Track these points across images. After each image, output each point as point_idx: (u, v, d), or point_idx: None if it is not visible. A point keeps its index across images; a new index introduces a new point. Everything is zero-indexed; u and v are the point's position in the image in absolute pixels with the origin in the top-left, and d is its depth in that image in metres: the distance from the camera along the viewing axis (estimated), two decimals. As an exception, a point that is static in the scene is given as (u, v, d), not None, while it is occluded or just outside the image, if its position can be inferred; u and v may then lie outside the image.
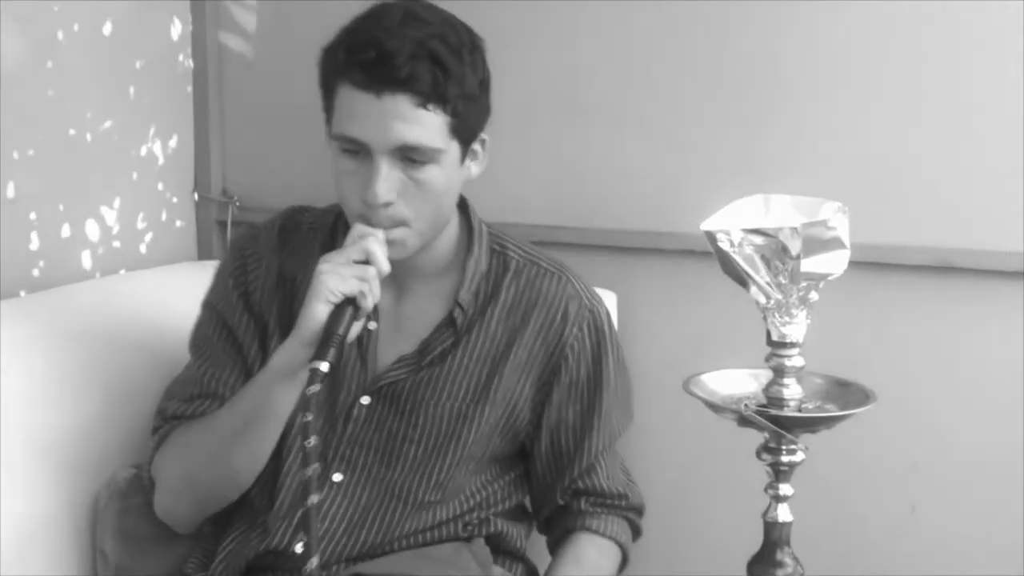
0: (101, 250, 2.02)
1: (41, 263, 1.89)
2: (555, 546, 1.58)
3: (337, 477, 1.48)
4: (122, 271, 2.05)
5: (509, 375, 1.50)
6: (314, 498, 1.10)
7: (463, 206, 1.54)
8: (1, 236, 1.80)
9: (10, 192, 1.82)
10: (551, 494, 1.57)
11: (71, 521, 1.64)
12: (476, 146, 1.45)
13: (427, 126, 1.34)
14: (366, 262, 1.33)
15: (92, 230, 2.00)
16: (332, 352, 1.26)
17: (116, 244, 2.06)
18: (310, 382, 1.22)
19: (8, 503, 1.53)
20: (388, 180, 1.35)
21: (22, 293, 1.84)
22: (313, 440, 1.14)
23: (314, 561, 1.09)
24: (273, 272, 1.52)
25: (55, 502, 1.62)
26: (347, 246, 1.35)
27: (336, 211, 1.52)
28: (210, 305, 1.56)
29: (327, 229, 1.53)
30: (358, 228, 1.36)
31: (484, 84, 1.43)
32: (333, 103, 1.39)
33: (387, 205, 1.36)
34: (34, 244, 1.88)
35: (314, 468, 1.12)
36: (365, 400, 1.48)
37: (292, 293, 1.50)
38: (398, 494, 1.48)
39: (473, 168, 1.47)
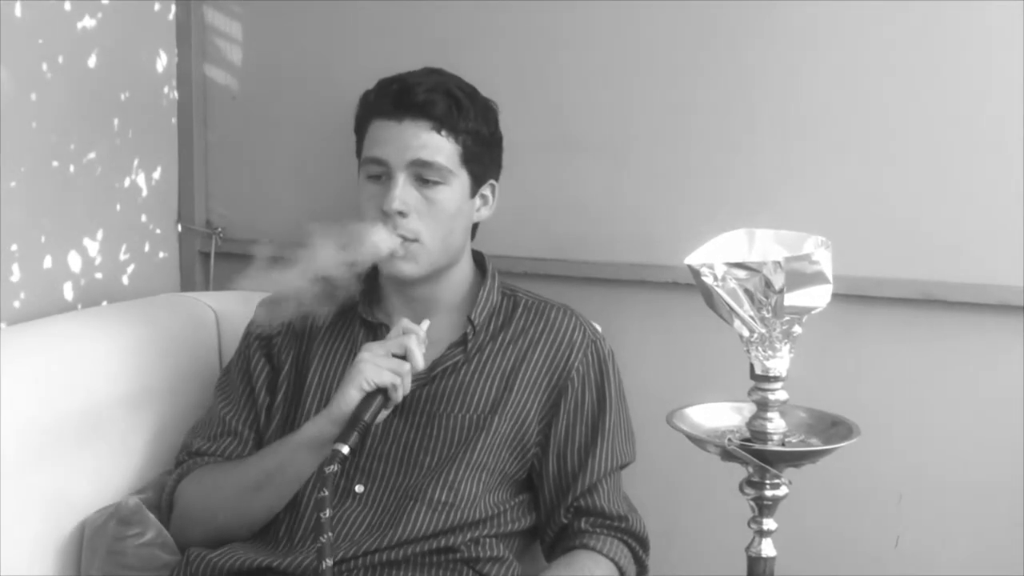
0: (83, 281, 2.01)
1: (22, 294, 1.88)
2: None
3: (359, 488, 1.60)
4: (104, 303, 2.04)
5: (519, 391, 1.63)
6: (328, 561, 1.25)
7: (480, 261, 1.73)
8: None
9: (-8, 223, 1.81)
10: (556, 515, 1.64)
11: (60, 547, 1.66)
12: (486, 190, 1.68)
13: (440, 148, 1.58)
14: (404, 357, 1.49)
15: (74, 261, 1.99)
16: (354, 437, 1.41)
17: (98, 275, 2.05)
18: (329, 461, 1.35)
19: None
20: (404, 191, 1.57)
21: (3, 325, 1.83)
22: (328, 512, 1.28)
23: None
24: (298, 322, 1.68)
25: (36, 531, 1.62)
26: (389, 338, 1.51)
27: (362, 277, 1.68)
28: (238, 351, 1.75)
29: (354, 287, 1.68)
30: (402, 323, 1.52)
31: (495, 137, 1.68)
32: (364, 138, 1.64)
33: (402, 215, 1.56)
34: (15, 276, 1.87)
35: (327, 537, 1.27)
36: (382, 416, 1.56)
37: (311, 336, 1.70)
38: (413, 495, 1.57)
39: (483, 211, 1.69)
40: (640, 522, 1.66)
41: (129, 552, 1.61)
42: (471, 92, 1.64)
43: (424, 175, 1.58)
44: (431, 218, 1.58)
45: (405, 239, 1.57)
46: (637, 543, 1.65)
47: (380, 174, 1.60)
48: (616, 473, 1.66)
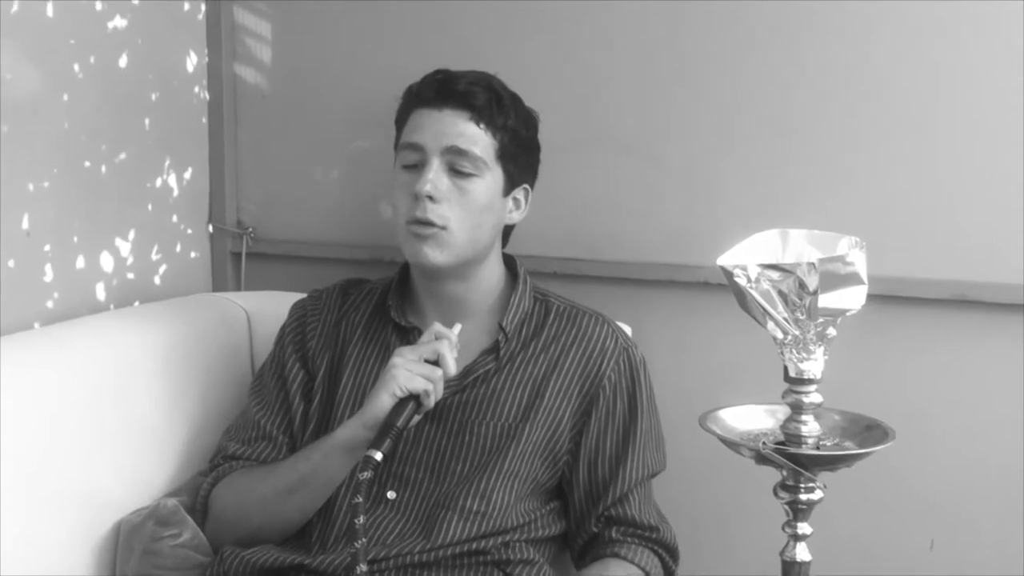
0: (115, 282, 2.02)
1: (55, 295, 1.89)
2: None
3: (391, 495, 1.59)
4: (136, 303, 2.05)
5: (550, 398, 1.62)
6: (363, 567, 1.27)
7: (512, 265, 1.72)
8: (16, 268, 1.80)
9: (25, 224, 1.82)
10: (586, 523, 1.64)
11: (95, 545, 1.66)
12: (519, 194, 1.67)
13: (477, 140, 1.59)
14: (436, 362, 1.48)
15: (106, 262, 2.00)
16: (387, 443, 1.40)
17: (130, 276, 2.06)
18: (362, 468, 1.35)
19: (13, 529, 1.53)
20: (436, 176, 1.56)
21: (36, 325, 1.83)
22: (362, 519, 1.29)
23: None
24: (331, 322, 1.72)
25: (72, 530, 1.63)
26: (421, 343, 1.51)
27: (391, 277, 1.73)
28: (273, 354, 1.75)
29: (384, 289, 1.73)
30: (435, 328, 1.52)
31: (533, 142, 1.68)
32: (403, 128, 1.64)
33: (432, 200, 1.56)
34: (48, 276, 1.87)
35: (362, 542, 1.28)
36: (414, 420, 1.55)
37: (345, 340, 1.69)
38: (445, 503, 1.57)
39: (515, 214, 1.68)
40: (670, 532, 1.65)
41: (165, 552, 1.62)
42: (514, 96, 1.65)
43: (458, 165, 1.58)
44: (461, 207, 1.58)
45: (433, 224, 1.56)
46: (667, 553, 1.64)
47: (415, 162, 1.60)
48: (647, 482, 1.65)
